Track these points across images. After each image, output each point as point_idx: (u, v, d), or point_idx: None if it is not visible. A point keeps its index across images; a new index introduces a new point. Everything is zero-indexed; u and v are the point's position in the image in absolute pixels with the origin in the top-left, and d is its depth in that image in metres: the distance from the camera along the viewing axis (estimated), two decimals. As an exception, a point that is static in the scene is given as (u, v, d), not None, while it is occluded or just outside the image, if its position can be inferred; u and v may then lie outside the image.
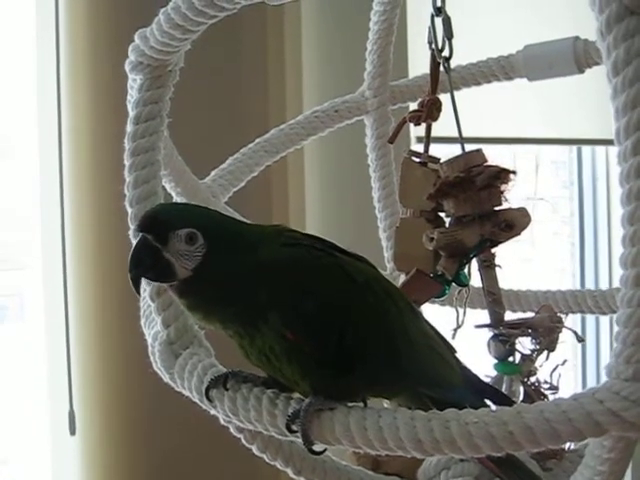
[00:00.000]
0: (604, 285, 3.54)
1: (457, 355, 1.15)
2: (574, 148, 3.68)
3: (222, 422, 1.16)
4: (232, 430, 1.18)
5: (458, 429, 0.89)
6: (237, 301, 1.01)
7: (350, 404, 1.00)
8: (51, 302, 2.34)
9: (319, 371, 1.00)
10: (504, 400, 1.17)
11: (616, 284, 0.94)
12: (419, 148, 1.50)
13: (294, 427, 1.00)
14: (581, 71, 1.69)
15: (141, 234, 1.02)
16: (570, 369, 2.94)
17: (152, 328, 1.24)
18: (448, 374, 1.10)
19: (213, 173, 1.62)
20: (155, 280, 1.07)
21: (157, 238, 1.01)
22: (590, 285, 3.61)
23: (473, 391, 1.12)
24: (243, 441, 1.19)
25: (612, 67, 0.84)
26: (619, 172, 0.84)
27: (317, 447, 1.01)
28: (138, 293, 1.04)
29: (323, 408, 0.99)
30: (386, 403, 1.25)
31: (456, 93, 1.70)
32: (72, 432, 2.30)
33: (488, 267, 1.35)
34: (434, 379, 1.08)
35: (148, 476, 2.32)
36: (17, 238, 2.49)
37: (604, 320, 3.47)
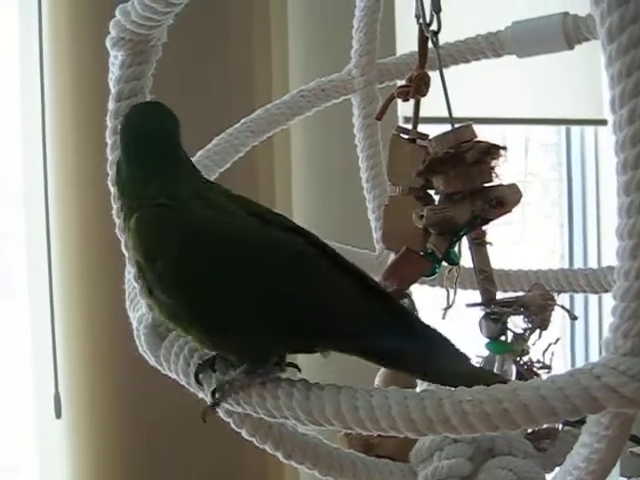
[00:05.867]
0: (593, 266, 3.54)
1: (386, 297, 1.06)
2: (562, 129, 3.67)
3: (210, 405, 1.14)
4: (220, 413, 1.16)
5: (452, 407, 0.87)
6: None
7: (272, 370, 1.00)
8: (36, 285, 2.32)
9: (206, 334, 1.01)
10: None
11: (605, 264, 0.93)
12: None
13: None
14: (571, 47, 1.67)
15: None
16: (559, 348, 2.95)
17: (137, 311, 1.21)
18: (352, 319, 1.02)
19: (199, 154, 1.59)
20: None
21: None
22: (579, 266, 3.60)
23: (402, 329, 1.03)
24: (232, 425, 1.18)
25: (606, 34, 0.82)
26: (614, 141, 0.82)
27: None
28: None
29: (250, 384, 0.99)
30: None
31: (444, 72, 1.69)
32: (58, 415, 2.29)
33: (479, 245, 1.34)
34: (337, 327, 1.01)
35: (134, 459, 2.31)
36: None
37: (593, 299, 3.47)
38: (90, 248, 2.20)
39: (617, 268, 0.83)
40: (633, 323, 0.82)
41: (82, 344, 2.28)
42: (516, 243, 3.64)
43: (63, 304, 2.28)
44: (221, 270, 0.99)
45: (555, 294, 1.40)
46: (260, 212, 1.05)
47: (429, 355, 1.02)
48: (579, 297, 3.51)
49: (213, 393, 1.03)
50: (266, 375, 1.00)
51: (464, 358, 1.05)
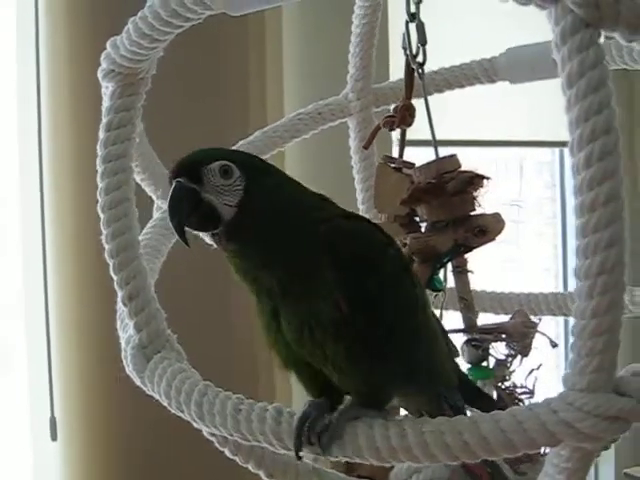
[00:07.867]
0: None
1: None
2: (556, 149, 3.68)
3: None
4: (205, 434, 1.19)
5: (414, 438, 0.90)
6: (287, 244, 0.94)
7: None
8: (31, 308, 2.34)
9: (363, 356, 0.97)
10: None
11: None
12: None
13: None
14: (564, 74, 1.69)
15: (175, 180, 0.95)
16: (552, 370, 2.96)
17: (126, 332, 1.24)
18: (450, 374, 1.12)
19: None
20: (201, 229, 0.96)
21: (191, 179, 0.94)
22: (573, 286, 3.58)
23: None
24: (216, 444, 1.20)
25: (566, 79, 0.84)
26: (573, 185, 0.84)
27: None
28: (186, 243, 0.96)
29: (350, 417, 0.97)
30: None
31: (440, 96, 1.71)
32: (53, 438, 2.31)
33: (460, 273, 1.36)
34: (444, 378, 1.11)
35: (128, 481, 2.32)
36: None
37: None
38: (84, 275, 2.22)
39: (574, 307, 0.85)
40: (589, 360, 0.84)
41: (77, 368, 2.30)
42: (511, 261, 3.63)
43: (58, 327, 2.30)
44: (399, 298, 1.01)
45: (538, 320, 1.42)
46: None
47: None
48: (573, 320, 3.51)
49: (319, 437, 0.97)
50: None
51: None
